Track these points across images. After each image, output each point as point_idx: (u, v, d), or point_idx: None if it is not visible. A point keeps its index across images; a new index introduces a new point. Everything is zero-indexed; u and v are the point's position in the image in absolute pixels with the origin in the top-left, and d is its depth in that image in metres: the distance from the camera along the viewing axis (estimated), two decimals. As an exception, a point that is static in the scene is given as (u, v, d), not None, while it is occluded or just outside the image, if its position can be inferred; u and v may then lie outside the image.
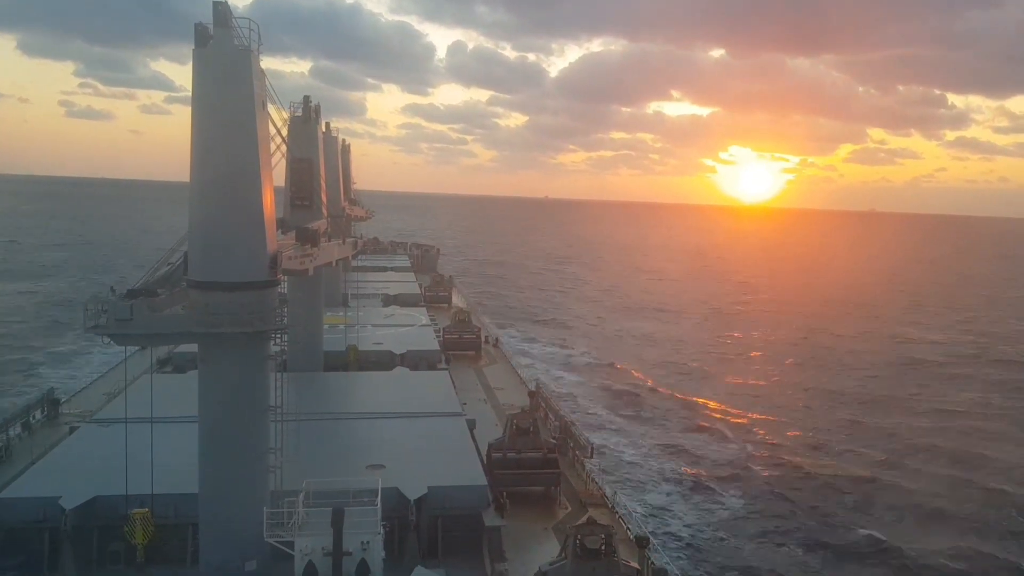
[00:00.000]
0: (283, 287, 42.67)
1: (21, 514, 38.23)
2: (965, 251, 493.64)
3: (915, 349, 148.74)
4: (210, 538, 35.85)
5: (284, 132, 46.78)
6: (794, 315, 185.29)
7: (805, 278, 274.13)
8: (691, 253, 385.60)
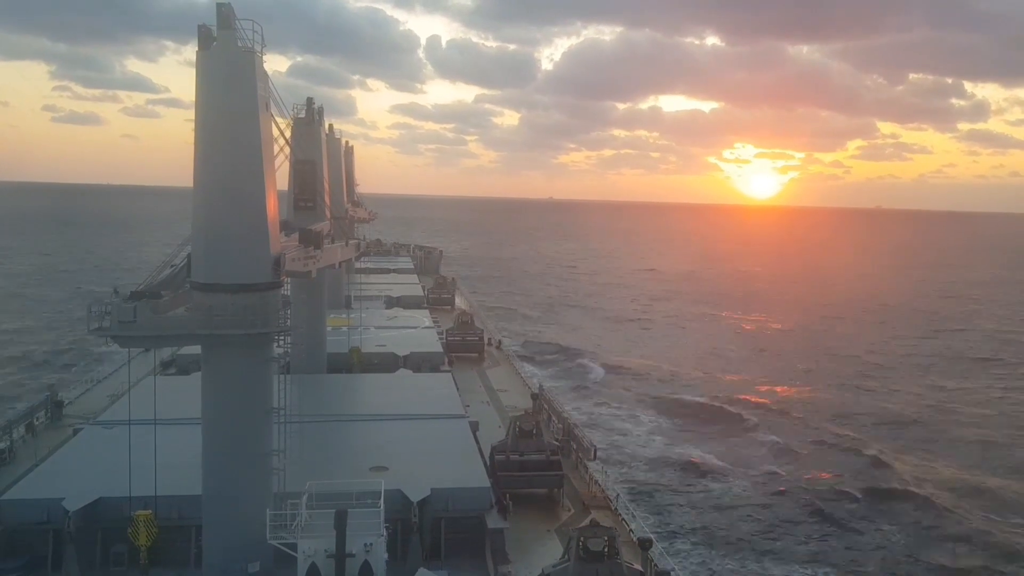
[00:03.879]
0: (286, 289, 42.70)
1: (25, 515, 38.28)
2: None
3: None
4: (213, 540, 35.85)
5: (287, 134, 46.82)
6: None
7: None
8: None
